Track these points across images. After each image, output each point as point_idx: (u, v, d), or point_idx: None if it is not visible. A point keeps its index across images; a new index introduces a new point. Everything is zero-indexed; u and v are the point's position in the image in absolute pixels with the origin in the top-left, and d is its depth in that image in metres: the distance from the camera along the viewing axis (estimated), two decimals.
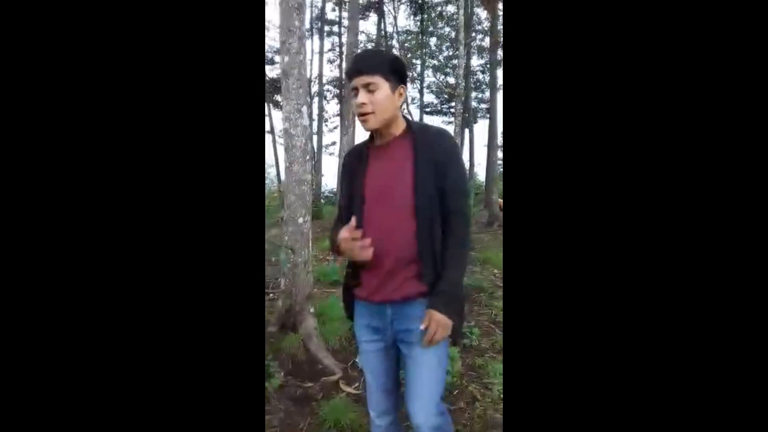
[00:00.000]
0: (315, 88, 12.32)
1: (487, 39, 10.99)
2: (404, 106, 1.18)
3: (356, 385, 2.23)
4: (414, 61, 14.35)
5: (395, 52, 14.08)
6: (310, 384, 2.22)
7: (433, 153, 1.10)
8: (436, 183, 1.09)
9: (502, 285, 4.14)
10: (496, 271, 4.77)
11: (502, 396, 2.10)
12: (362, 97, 1.09)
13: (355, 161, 1.21)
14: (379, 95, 1.08)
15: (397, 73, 1.11)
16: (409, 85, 1.17)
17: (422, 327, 1.05)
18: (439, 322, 1.05)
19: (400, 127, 1.16)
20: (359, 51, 1.31)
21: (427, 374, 1.13)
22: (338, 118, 12.07)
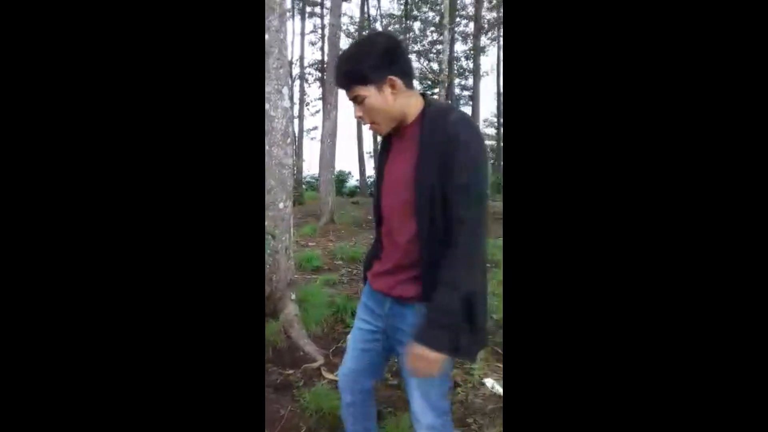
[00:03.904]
0: (296, 71, 12.07)
1: (472, 24, 10.93)
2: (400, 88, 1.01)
3: (338, 372, 2.21)
4: None
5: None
6: (291, 371, 2.19)
7: (437, 144, 0.94)
8: (440, 180, 0.93)
9: None
10: None
11: (482, 381, 2.12)
12: (357, 110, 1.01)
13: (382, 148, 1.12)
14: (368, 103, 0.98)
15: (374, 68, 0.96)
16: (396, 77, 0.99)
17: (404, 360, 0.95)
18: (420, 356, 0.92)
19: (414, 112, 1.02)
20: (340, 53, 1.08)
21: (423, 379, 1.05)
22: (320, 102, 11.88)
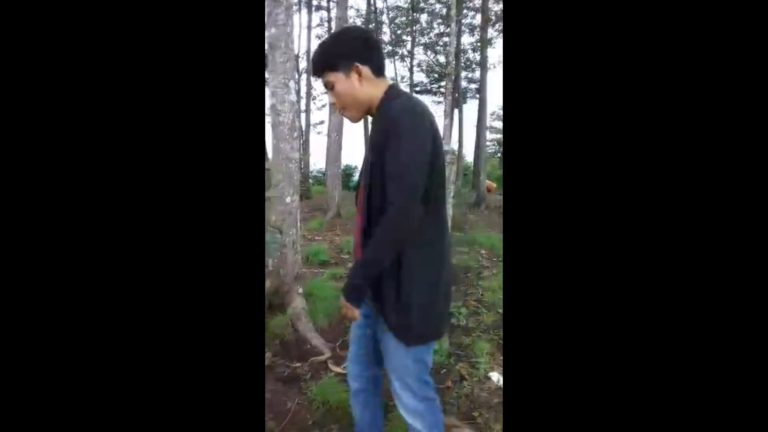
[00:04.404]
0: (303, 65, 12.02)
1: (479, 16, 10.79)
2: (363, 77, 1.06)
3: (344, 365, 2.23)
4: (404, 38, 14.07)
5: (385, 27, 13.77)
6: (298, 364, 2.21)
7: (380, 133, 0.99)
8: (379, 169, 0.99)
9: (488, 265, 4.18)
10: (483, 251, 4.81)
11: (488, 375, 2.13)
12: (329, 96, 1.10)
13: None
14: (337, 89, 1.06)
15: (342, 56, 1.03)
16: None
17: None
18: (342, 304, 1.05)
19: (376, 104, 1.08)
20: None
21: (391, 358, 1.11)
22: (327, 95, 11.81)
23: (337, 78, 1.04)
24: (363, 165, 1.12)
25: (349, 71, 1.04)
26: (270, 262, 2.68)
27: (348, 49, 1.04)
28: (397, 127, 0.95)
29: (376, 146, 1.00)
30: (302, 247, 2.87)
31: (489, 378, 2.11)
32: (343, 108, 1.09)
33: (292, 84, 2.56)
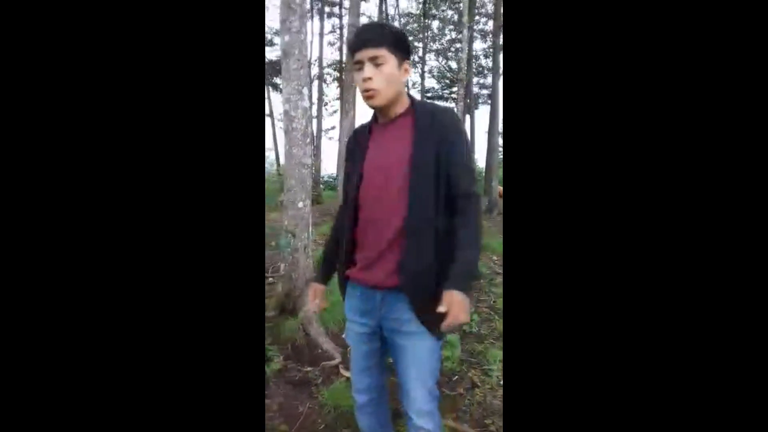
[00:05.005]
0: (315, 71, 12.14)
1: (491, 22, 10.80)
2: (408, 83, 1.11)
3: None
4: (416, 44, 14.13)
5: None
6: (309, 368, 2.22)
7: (435, 131, 1.04)
8: (436, 163, 1.02)
9: (501, 272, 4.15)
10: (495, 257, 4.78)
11: (501, 382, 2.10)
12: (369, 70, 1.02)
13: (358, 140, 1.18)
14: (386, 69, 1.03)
15: (403, 47, 1.05)
16: (410, 68, 1.12)
17: (442, 309, 0.96)
18: (460, 303, 0.95)
19: (403, 105, 1.10)
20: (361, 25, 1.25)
21: (418, 363, 1.09)
22: (338, 101, 11.93)
23: (391, 59, 1.03)
24: (368, 167, 1.10)
25: (403, 62, 1.06)
26: (282, 266, 2.70)
27: (407, 45, 1.08)
28: (456, 126, 1.07)
29: (429, 143, 1.03)
30: (313, 252, 2.88)
31: (502, 386, 2.09)
32: (376, 89, 1.03)
33: (305, 90, 2.59)
